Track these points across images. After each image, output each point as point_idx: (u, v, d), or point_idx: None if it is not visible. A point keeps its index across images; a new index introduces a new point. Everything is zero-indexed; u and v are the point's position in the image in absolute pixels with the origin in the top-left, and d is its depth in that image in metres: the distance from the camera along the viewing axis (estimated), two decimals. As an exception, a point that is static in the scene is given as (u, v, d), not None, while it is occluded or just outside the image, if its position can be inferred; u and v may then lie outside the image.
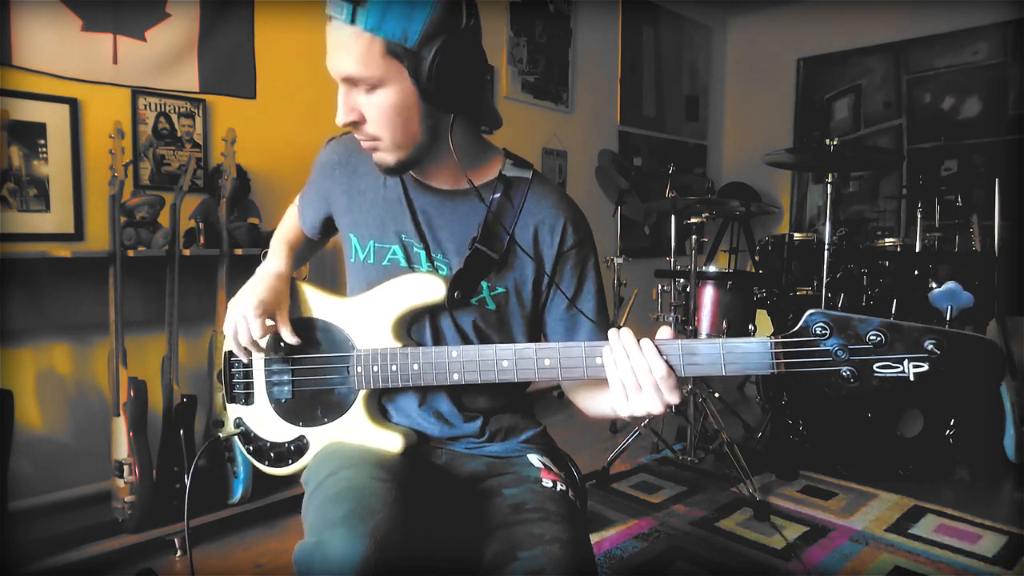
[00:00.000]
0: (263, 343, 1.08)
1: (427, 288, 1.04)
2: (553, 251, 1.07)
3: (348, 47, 0.91)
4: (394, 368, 1.02)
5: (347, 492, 0.91)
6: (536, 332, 1.15)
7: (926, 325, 0.75)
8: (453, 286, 1.03)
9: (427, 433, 1.10)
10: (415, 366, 1.00)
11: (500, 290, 1.07)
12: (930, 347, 0.75)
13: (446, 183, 1.08)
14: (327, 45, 0.94)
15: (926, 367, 0.75)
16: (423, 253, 1.07)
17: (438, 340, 1.08)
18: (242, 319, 1.06)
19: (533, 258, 1.07)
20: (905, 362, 0.76)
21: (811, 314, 0.80)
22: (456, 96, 0.96)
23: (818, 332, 0.79)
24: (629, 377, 0.86)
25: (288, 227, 1.27)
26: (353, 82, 0.94)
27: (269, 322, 1.08)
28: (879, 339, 0.76)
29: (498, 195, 1.06)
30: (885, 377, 0.77)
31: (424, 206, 1.08)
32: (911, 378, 0.76)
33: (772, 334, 3.03)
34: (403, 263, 1.08)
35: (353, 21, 0.89)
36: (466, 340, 1.08)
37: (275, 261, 1.18)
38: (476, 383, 0.98)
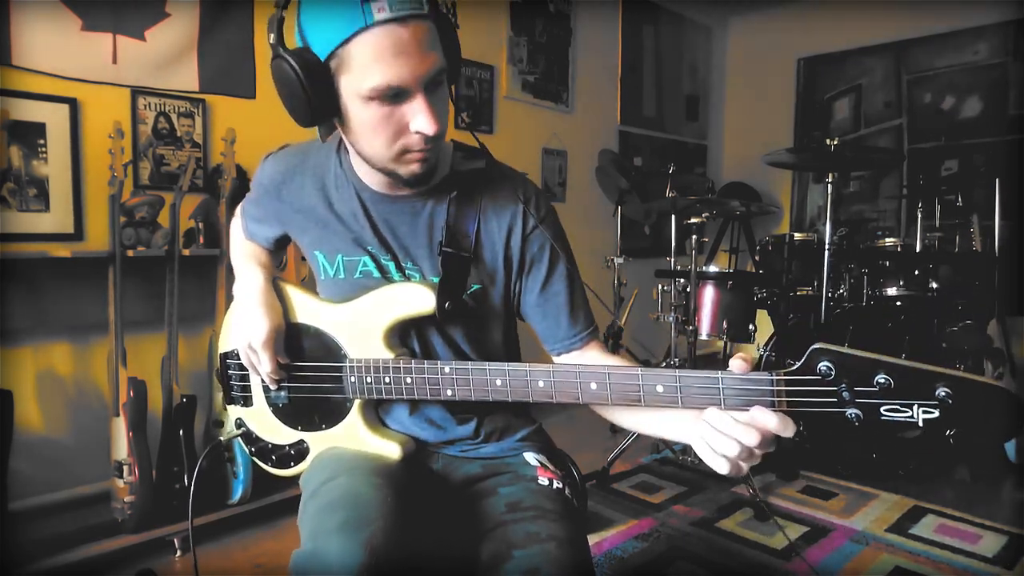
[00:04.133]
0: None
1: (418, 299, 1.00)
2: (519, 236, 1.03)
3: (433, 41, 0.83)
4: (387, 380, 1.00)
5: (343, 499, 0.90)
6: (512, 326, 1.12)
7: (938, 369, 0.71)
8: (442, 297, 0.99)
9: (421, 439, 1.09)
10: (408, 379, 0.98)
11: (476, 287, 1.04)
12: (942, 394, 0.70)
13: (403, 188, 1.01)
14: (388, 54, 0.82)
15: (936, 414, 0.71)
16: (392, 264, 1.05)
17: (424, 343, 1.06)
18: (256, 359, 1.06)
19: (503, 249, 1.03)
20: (914, 407, 0.71)
21: (816, 351, 0.74)
22: (457, 54, 0.90)
23: (823, 371, 0.74)
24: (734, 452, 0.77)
25: (243, 244, 1.21)
26: (440, 78, 0.87)
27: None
28: (887, 383, 0.72)
29: (455, 193, 1.02)
30: (892, 421, 0.73)
31: (385, 216, 1.04)
32: (920, 424, 0.72)
33: (772, 335, 2.99)
34: (376, 274, 1.05)
35: (428, 6, 0.81)
36: (450, 341, 1.06)
37: (253, 276, 1.10)
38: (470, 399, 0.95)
